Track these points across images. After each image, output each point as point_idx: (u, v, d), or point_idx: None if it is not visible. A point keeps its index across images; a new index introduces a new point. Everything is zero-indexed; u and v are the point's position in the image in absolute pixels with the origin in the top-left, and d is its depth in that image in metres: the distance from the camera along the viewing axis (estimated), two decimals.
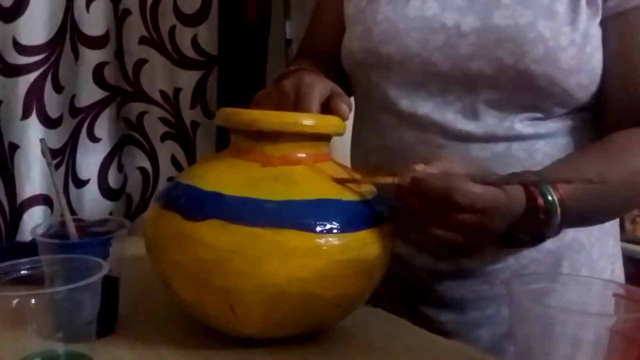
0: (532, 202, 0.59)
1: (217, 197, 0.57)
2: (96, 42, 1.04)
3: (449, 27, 0.71)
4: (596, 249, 0.78)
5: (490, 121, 0.71)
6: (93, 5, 1.02)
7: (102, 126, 1.07)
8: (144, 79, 1.09)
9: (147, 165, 1.13)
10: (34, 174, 0.95)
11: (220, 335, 0.61)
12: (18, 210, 0.96)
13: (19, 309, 0.49)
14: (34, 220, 0.95)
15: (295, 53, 1.01)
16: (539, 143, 0.71)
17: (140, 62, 1.08)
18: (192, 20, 1.06)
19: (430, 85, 0.72)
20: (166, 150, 1.13)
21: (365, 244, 0.58)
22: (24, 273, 0.55)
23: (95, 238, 0.65)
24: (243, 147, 0.62)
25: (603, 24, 0.69)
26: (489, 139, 0.70)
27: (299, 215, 0.56)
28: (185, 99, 1.09)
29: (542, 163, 0.69)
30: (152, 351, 0.61)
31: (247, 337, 0.61)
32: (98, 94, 1.06)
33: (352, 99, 0.76)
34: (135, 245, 0.64)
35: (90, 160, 1.07)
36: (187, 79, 1.08)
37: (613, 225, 0.82)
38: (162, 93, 1.10)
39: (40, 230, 0.65)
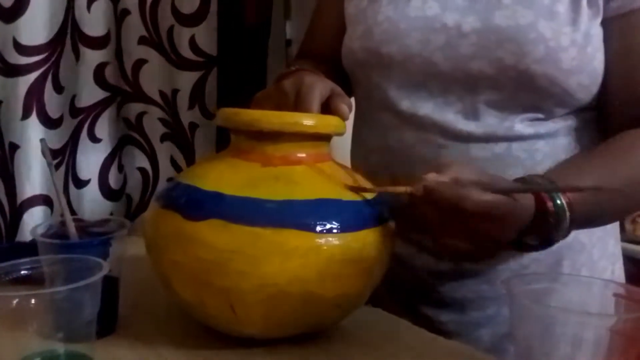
0: (541, 206, 0.59)
1: (218, 196, 0.57)
2: (97, 43, 1.04)
3: (450, 27, 0.71)
4: (597, 249, 0.78)
5: (490, 121, 0.71)
6: (94, 6, 1.02)
7: (103, 126, 1.07)
8: (144, 79, 1.09)
9: (146, 165, 1.13)
10: (34, 174, 0.95)
11: (221, 335, 0.61)
12: (18, 210, 0.96)
13: (19, 309, 0.49)
14: (34, 220, 0.95)
15: (295, 53, 1.01)
16: (539, 143, 0.71)
17: (140, 63, 1.08)
18: (190, 20, 1.05)
19: (431, 85, 0.72)
20: (166, 151, 1.13)
21: (366, 244, 0.58)
22: (24, 273, 0.55)
23: (95, 238, 0.65)
24: (243, 147, 0.62)
25: (605, 24, 0.69)
26: (489, 139, 0.70)
27: (299, 215, 0.56)
28: (182, 100, 1.09)
29: (542, 163, 0.70)
30: (152, 351, 0.61)
31: (247, 337, 0.61)
32: (99, 94, 1.06)
33: (352, 99, 0.76)
34: (136, 245, 0.64)
35: (90, 160, 1.07)
36: (185, 80, 1.08)
37: (614, 225, 0.82)
38: (162, 93, 1.10)
39: (40, 230, 0.65)
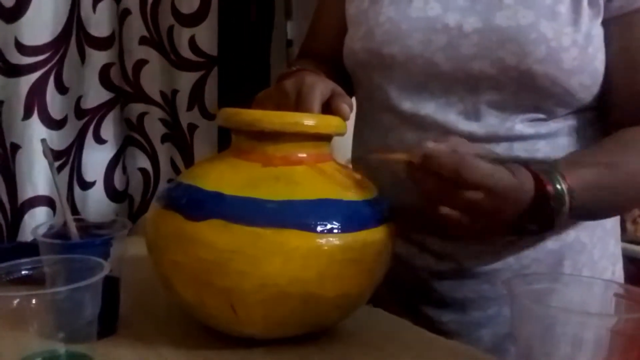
0: (541, 189, 0.59)
1: (218, 197, 0.57)
2: (102, 43, 1.04)
3: (451, 28, 0.71)
4: (597, 249, 0.78)
5: (492, 122, 0.71)
6: (100, 6, 1.02)
7: (108, 128, 1.07)
8: (145, 80, 1.09)
9: (147, 166, 1.13)
10: (35, 175, 0.95)
11: (221, 335, 0.61)
12: (19, 210, 0.96)
13: (20, 309, 0.49)
14: (35, 220, 0.95)
15: (296, 53, 1.01)
16: (540, 143, 0.71)
17: (141, 63, 1.08)
18: (190, 20, 1.05)
19: (432, 85, 0.72)
20: (166, 152, 1.13)
21: (366, 244, 0.58)
22: (25, 273, 0.55)
23: (96, 238, 0.65)
24: (244, 147, 0.62)
25: (606, 24, 0.69)
26: (491, 139, 0.70)
27: (300, 215, 0.56)
28: (182, 101, 1.09)
29: None
30: (152, 351, 0.61)
31: (247, 337, 0.61)
32: (104, 95, 1.06)
33: (353, 99, 0.76)
34: (136, 245, 0.64)
35: (96, 162, 1.07)
36: (184, 81, 1.08)
37: (614, 226, 0.82)
38: (162, 94, 1.10)
39: (41, 231, 0.65)
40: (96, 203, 1.07)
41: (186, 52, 1.06)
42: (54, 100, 0.97)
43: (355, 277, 0.59)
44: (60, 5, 0.96)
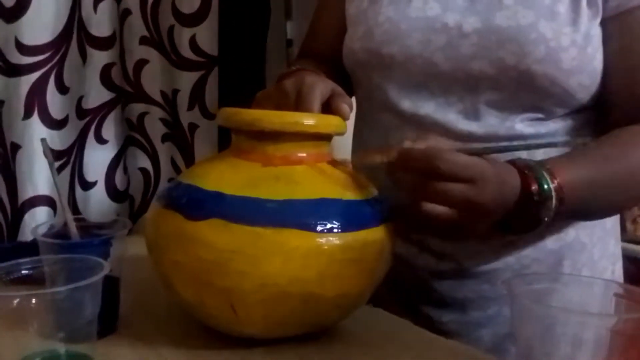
0: (526, 188, 0.59)
1: (218, 196, 0.57)
2: (103, 43, 1.03)
3: (451, 28, 0.71)
4: (597, 248, 0.78)
5: (491, 121, 0.71)
6: (101, 6, 1.02)
7: (109, 128, 1.07)
8: (145, 80, 1.09)
9: (148, 166, 1.13)
10: (35, 174, 0.95)
11: (221, 335, 0.61)
12: (19, 210, 0.96)
13: (20, 309, 0.49)
14: (35, 220, 0.95)
15: (296, 53, 1.01)
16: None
17: (141, 63, 1.08)
18: (190, 20, 1.05)
19: (432, 85, 0.72)
20: (167, 152, 1.13)
21: (366, 244, 0.58)
22: (25, 273, 0.55)
23: (96, 238, 0.65)
24: (244, 146, 0.62)
25: (604, 24, 0.70)
26: (490, 139, 0.70)
27: (300, 215, 0.56)
28: (182, 101, 1.08)
29: None
30: (152, 351, 0.61)
31: (247, 337, 0.61)
32: (105, 95, 1.05)
33: (353, 99, 0.76)
34: (136, 245, 0.64)
35: (97, 162, 1.07)
36: (185, 80, 1.07)
37: (614, 225, 0.82)
38: (163, 94, 1.10)
39: (41, 230, 0.65)
40: (97, 203, 1.07)
41: (187, 52, 1.06)
42: (54, 100, 0.97)
43: (355, 277, 0.59)
44: (60, 5, 0.96)
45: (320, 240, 0.56)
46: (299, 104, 0.64)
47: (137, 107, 1.10)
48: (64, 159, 1.01)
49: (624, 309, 0.51)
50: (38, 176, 0.95)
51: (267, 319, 0.58)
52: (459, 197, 0.56)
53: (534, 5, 0.68)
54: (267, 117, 0.60)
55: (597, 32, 0.69)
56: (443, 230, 0.68)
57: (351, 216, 0.58)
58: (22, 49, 0.93)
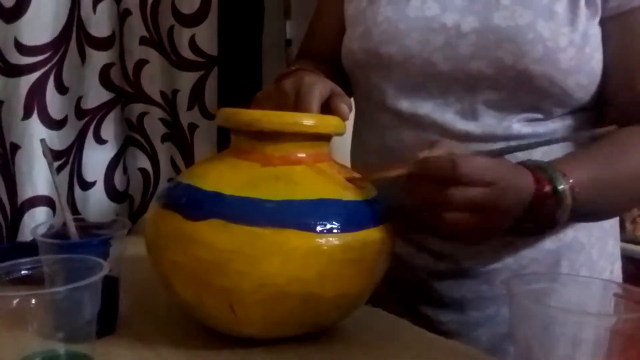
0: (540, 189, 0.59)
1: (218, 196, 0.57)
2: (103, 43, 1.03)
3: (449, 28, 0.71)
4: (596, 248, 0.78)
5: (489, 121, 0.71)
6: (100, 6, 1.02)
7: (109, 128, 1.07)
8: (145, 80, 1.09)
9: (147, 166, 1.13)
10: (35, 175, 0.95)
11: (220, 335, 0.61)
12: (19, 210, 0.96)
13: (19, 309, 0.49)
14: (34, 220, 0.95)
15: (295, 53, 1.01)
16: None
17: (141, 63, 1.08)
18: (190, 20, 1.05)
19: (430, 85, 0.73)
20: (166, 152, 1.13)
21: (366, 244, 0.58)
22: (24, 273, 0.55)
23: (95, 238, 0.65)
24: (243, 147, 0.62)
25: (603, 24, 0.70)
26: (488, 139, 0.70)
27: (299, 215, 0.56)
28: (182, 101, 1.08)
29: None
30: (152, 351, 0.61)
31: (247, 337, 0.61)
32: (104, 95, 1.05)
33: (352, 99, 0.76)
34: (136, 245, 0.64)
35: (96, 162, 1.07)
36: (184, 81, 1.07)
37: (613, 225, 0.82)
38: (162, 94, 1.10)
39: (40, 230, 0.65)
40: (97, 203, 1.07)
41: (186, 52, 1.06)
42: (53, 100, 0.97)
43: (355, 277, 0.59)
44: (60, 5, 0.96)
45: (320, 240, 0.56)
46: (298, 104, 0.64)
47: (137, 107, 1.10)
48: (63, 159, 1.01)
49: (623, 309, 0.51)
50: (37, 176, 0.95)
51: (267, 319, 0.58)
52: (482, 202, 0.56)
53: (531, 5, 0.68)
54: (266, 117, 0.60)
55: (595, 32, 0.69)
56: (463, 239, 0.67)
57: (350, 216, 0.58)
58: (22, 49, 0.93)
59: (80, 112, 1.03)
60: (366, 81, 0.78)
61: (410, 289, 0.79)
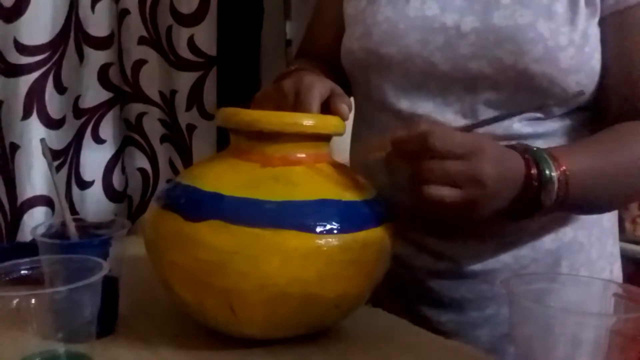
0: (527, 170, 0.59)
1: (217, 197, 0.57)
2: (101, 43, 1.03)
3: (449, 27, 0.71)
4: (595, 249, 0.78)
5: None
6: (98, 6, 1.02)
7: (107, 128, 1.07)
8: (143, 80, 1.09)
9: (146, 166, 1.13)
10: (34, 175, 0.95)
11: (220, 335, 0.61)
12: (18, 210, 0.96)
13: (19, 309, 0.49)
14: (34, 220, 0.95)
15: (295, 53, 1.01)
16: (537, 142, 0.71)
17: (140, 63, 1.08)
18: (188, 20, 1.05)
19: (430, 85, 0.72)
20: (165, 152, 1.12)
21: (366, 245, 0.58)
22: (24, 273, 0.55)
23: (95, 238, 0.65)
24: (243, 147, 0.62)
25: (601, 22, 0.70)
26: None
27: (299, 216, 0.56)
28: (180, 102, 1.08)
29: None
30: (152, 351, 0.61)
31: (247, 338, 0.61)
32: (103, 95, 1.05)
33: (351, 99, 0.76)
34: (136, 245, 0.64)
35: (94, 161, 1.07)
36: (183, 81, 1.07)
37: (612, 225, 0.82)
38: (161, 94, 1.10)
39: (40, 230, 0.65)
40: (95, 203, 1.07)
41: (185, 52, 1.06)
42: (52, 100, 0.97)
43: (355, 278, 0.59)
44: (59, 5, 0.96)
45: (320, 241, 0.56)
46: (298, 105, 0.64)
47: (136, 107, 1.10)
48: (61, 159, 1.01)
49: (623, 309, 0.51)
50: (37, 176, 0.95)
51: (267, 320, 0.58)
52: (458, 173, 0.55)
53: (531, 5, 0.68)
54: (266, 117, 0.60)
55: (595, 31, 0.69)
56: (449, 218, 0.65)
57: (350, 217, 0.58)
58: (21, 49, 0.93)
59: (78, 112, 1.03)
60: (366, 81, 0.78)
61: (410, 289, 0.79)
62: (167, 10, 1.05)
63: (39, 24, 0.94)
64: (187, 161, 1.10)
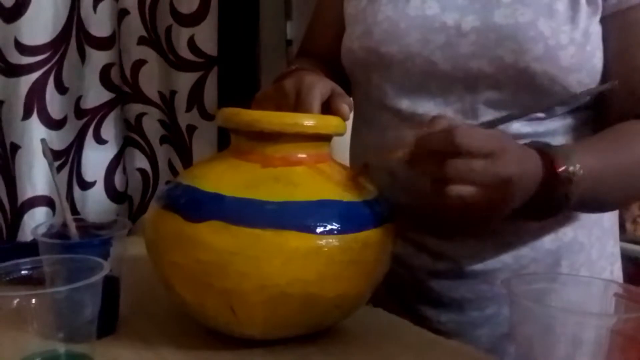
0: (550, 169, 0.58)
1: (218, 198, 0.57)
2: (103, 43, 1.03)
3: (450, 27, 0.71)
4: (595, 249, 0.78)
5: None
6: (100, 6, 1.02)
7: (109, 128, 1.07)
8: (143, 80, 1.08)
9: (146, 167, 1.13)
10: (35, 175, 0.95)
11: (221, 335, 0.61)
12: (19, 210, 0.96)
13: (20, 309, 0.49)
14: (34, 221, 0.95)
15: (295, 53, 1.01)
16: None
17: (139, 63, 1.08)
18: (189, 20, 1.05)
19: (430, 84, 0.72)
20: (165, 153, 1.12)
21: (366, 245, 0.58)
22: (24, 273, 0.55)
23: (95, 238, 0.65)
24: (243, 147, 0.62)
25: (603, 21, 0.70)
26: None
27: (299, 216, 0.56)
28: (180, 102, 1.08)
29: None
30: (152, 351, 0.61)
31: (247, 338, 0.61)
32: (104, 95, 1.05)
33: (351, 99, 0.76)
34: (136, 245, 0.64)
35: (96, 162, 1.06)
36: (183, 81, 1.07)
37: (613, 225, 0.82)
38: (161, 95, 1.10)
39: (41, 230, 0.65)
40: (96, 203, 1.07)
41: (185, 52, 1.06)
42: (53, 100, 0.97)
43: (355, 278, 0.59)
44: (60, 5, 0.96)
45: (320, 241, 0.56)
46: (298, 105, 0.64)
47: (135, 108, 1.10)
48: (63, 159, 1.01)
49: (624, 309, 0.51)
50: (37, 176, 0.95)
51: (267, 320, 0.58)
52: (484, 172, 0.54)
53: (532, 3, 0.68)
54: (266, 117, 0.60)
55: (596, 30, 0.69)
56: (471, 216, 0.64)
57: (351, 217, 0.58)
58: (22, 49, 0.93)
59: (79, 112, 1.03)
60: (366, 80, 0.78)
61: (410, 289, 0.79)
62: (167, 10, 1.05)
63: (39, 24, 0.94)
64: (187, 162, 1.10)
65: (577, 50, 0.67)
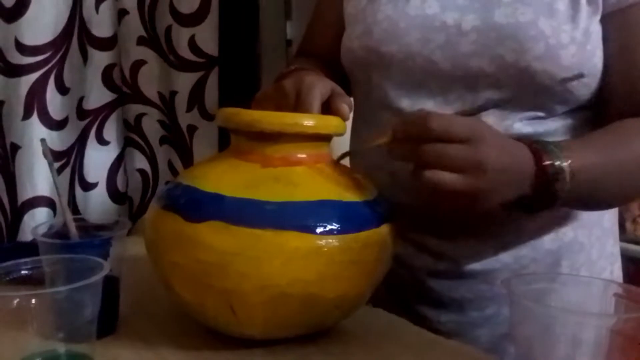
0: (539, 162, 0.59)
1: (218, 198, 0.57)
2: (105, 44, 1.03)
3: (450, 26, 0.71)
4: (595, 249, 0.78)
5: (490, 120, 0.70)
6: (102, 6, 1.02)
7: (111, 129, 1.06)
8: (142, 81, 1.08)
9: (146, 167, 1.13)
10: (35, 175, 0.95)
11: (221, 335, 0.61)
12: (19, 210, 0.96)
13: (20, 309, 0.49)
14: (35, 221, 0.95)
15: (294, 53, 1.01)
16: None
17: (139, 63, 1.08)
18: (189, 20, 1.04)
19: (431, 84, 0.72)
20: (165, 154, 1.12)
21: (366, 245, 0.58)
22: (24, 273, 0.55)
23: (95, 238, 0.65)
24: (243, 147, 0.62)
25: (603, 20, 0.70)
26: None
27: (299, 217, 0.56)
28: (180, 103, 1.08)
29: None
30: (152, 351, 0.61)
31: (247, 338, 0.61)
32: (107, 96, 1.05)
33: (351, 99, 0.76)
34: (136, 245, 0.64)
35: (98, 163, 1.06)
36: (183, 82, 1.07)
37: (612, 225, 0.82)
38: (161, 95, 1.10)
39: (41, 230, 0.65)
40: (98, 204, 1.06)
41: (185, 53, 1.05)
42: (54, 101, 0.97)
43: (355, 278, 0.59)
44: (61, 5, 0.96)
45: (320, 242, 0.56)
46: (298, 105, 0.64)
47: (135, 109, 1.10)
48: (64, 160, 1.01)
49: (624, 309, 0.51)
50: (37, 177, 0.95)
51: (267, 321, 0.58)
52: (459, 157, 0.54)
53: (532, 2, 0.68)
54: (266, 117, 0.60)
55: (596, 29, 0.69)
56: (451, 207, 0.64)
57: (351, 217, 0.58)
58: (22, 49, 0.93)
59: (81, 113, 1.03)
60: (366, 80, 0.78)
61: (410, 289, 0.79)
62: (167, 10, 1.05)
63: (40, 24, 0.94)
64: (187, 162, 1.10)
65: (577, 49, 0.67)
